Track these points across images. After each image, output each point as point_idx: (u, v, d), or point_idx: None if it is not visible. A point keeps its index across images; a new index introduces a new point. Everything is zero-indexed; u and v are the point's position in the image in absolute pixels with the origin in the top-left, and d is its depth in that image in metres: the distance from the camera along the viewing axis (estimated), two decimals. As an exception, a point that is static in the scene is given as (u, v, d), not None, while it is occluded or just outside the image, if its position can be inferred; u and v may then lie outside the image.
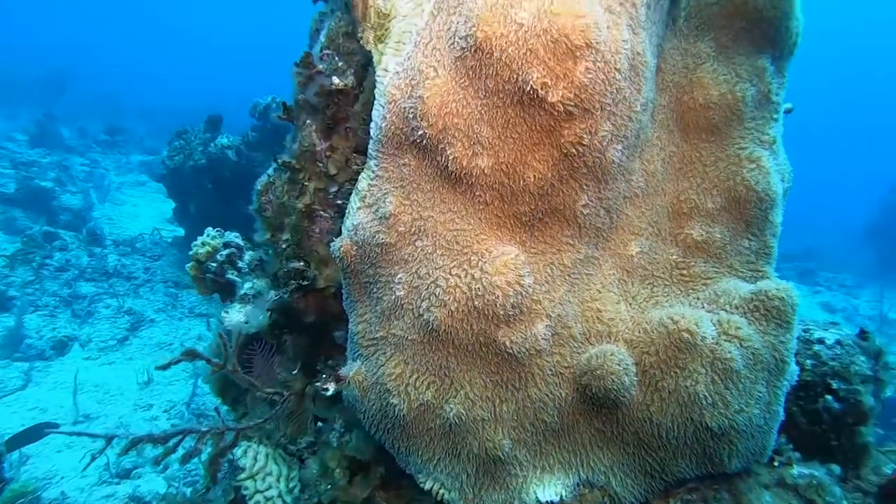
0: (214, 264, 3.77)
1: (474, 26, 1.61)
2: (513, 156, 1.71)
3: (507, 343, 1.78)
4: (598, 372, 1.78)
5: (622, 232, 2.00)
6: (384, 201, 1.86)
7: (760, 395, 1.80)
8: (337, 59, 2.35)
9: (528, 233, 1.81)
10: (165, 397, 6.68)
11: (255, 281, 3.28)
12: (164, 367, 2.06)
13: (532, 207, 1.77)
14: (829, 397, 2.18)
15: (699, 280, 2.00)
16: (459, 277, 1.79)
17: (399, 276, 1.87)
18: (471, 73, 1.68)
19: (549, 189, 1.75)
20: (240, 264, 3.74)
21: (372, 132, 1.91)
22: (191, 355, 2.13)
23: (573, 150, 1.69)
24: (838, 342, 2.20)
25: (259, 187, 2.63)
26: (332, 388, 2.02)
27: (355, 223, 1.94)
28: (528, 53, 1.56)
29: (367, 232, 1.89)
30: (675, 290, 2.01)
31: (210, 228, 4.08)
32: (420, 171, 1.83)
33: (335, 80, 2.29)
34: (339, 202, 2.40)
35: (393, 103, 1.81)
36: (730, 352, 1.76)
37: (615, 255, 2.00)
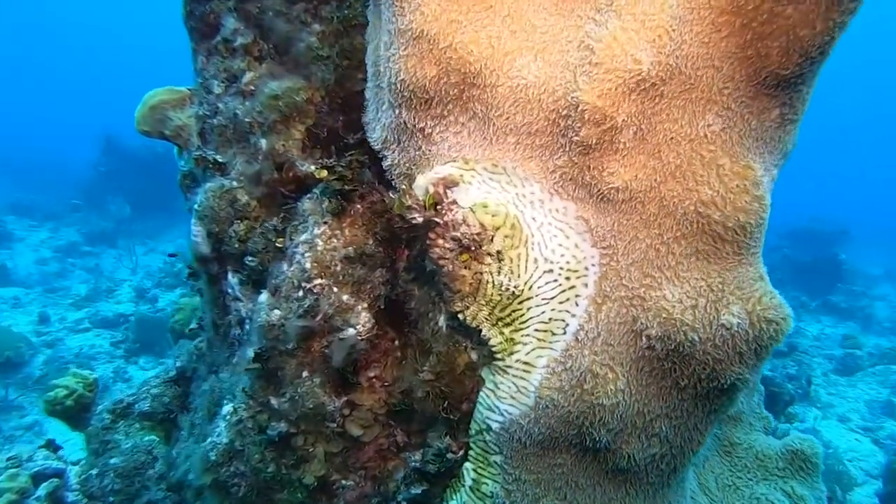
0: (34, 517, 2.68)
1: (675, 329, 1.44)
2: (681, 440, 1.62)
3: None
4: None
5: (690, 430, 2.08)
6: (541, 511, 1.57)
7: (817, 541, 2.14)
8: (337, 291, 1.81)
9: (672, 490, 1.76)
10: None
11: None
12: None
13: (681, 471, 1.72)
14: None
15: (737, 448, 2.22)
16: (638, 567, 1.65)
17: (566, 583, 1.63)
18: (657, 371, 1.50)
19: (699, 447, 1.71)
20: (69, 497, 2.72)
21: (499, 428, 1.57)
22: None
23: (721, 415, 1.68)
24: None
25: (214, 457, 1.91)
26: None
27: (493, 536, 1.59)
28: (734, 356, 1.47)
29: (520, 547, 1.58)
30: (725, 462, 2.20)
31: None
32: (578, 469, 1.59)
33: (358, 329, 1.77)
34: (369, 468, 1.90)
35: (553, 407, 1.51)
36: (808, 523, 2.04)
37: (687, 452, 2.08)
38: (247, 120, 2.08)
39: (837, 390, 9.15)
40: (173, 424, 2.76)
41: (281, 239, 1.96)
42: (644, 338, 1.47)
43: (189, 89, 2.44)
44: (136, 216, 14.65)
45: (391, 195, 1.60)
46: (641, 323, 1.47)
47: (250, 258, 2.02)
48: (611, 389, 1.48)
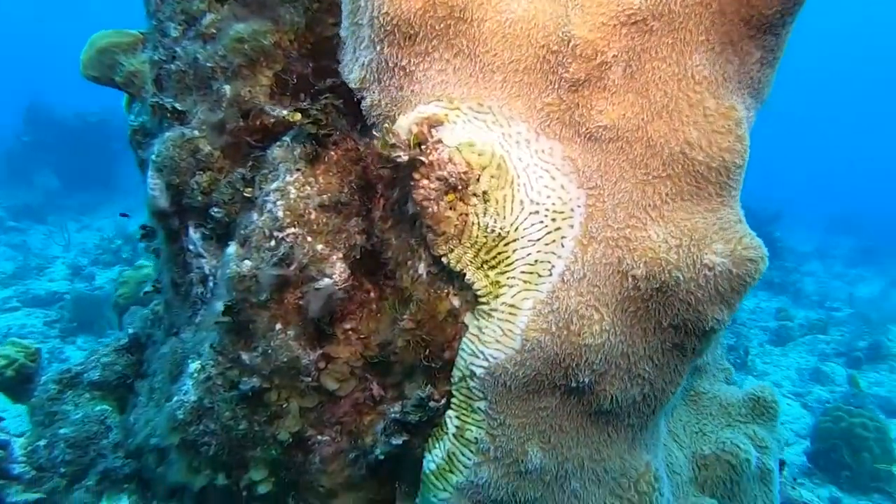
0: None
1: (660, 269, 1.45)
2: (662, 381, 1.65)
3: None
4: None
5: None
6: (525, 454, 1.58)
7: (777, 480, 2.24)
8: (311, 240, 1.76)
9: (649, 433, 1.80)
10: None
11: (106, 502, 2.34)
12: None
13: (658, 413, 1.76)
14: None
15: (703, 397, 2.30)
16: (617, 507, 1.69)
17: (548, 526, 1.64)
18: (641, 312, 1.52)
19: (677, 389, 1.75)
20: (16, 469, 2.59)
21: (484, 373, 1.56)
22: None
23: (698, 357, 1.72)
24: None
25: (182, 416, 1.83)
26: None
27: (476, 482, 1.59)
28: (715, 295, 1.50)
29: (503, 490, 1.59)
30: (692, 411, 2.26)
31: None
32: (562, 412, 1.60)
33: (334, 278, 1.73)
34: (345, 423, 1.87)
35: (540, 349, 1.50)
36: (769, 465, 2.14)
37: (656, 400, 2.13)
38: (209, 65, 1.97)
39: (772, 359, 9.62)
40: (129, 391, 2.64)
41: (249, 189, 1.87)
42: (629, 278, 1.48)
43: (141, 32, 2.30)
44: (67, 190, 13.90)
45: (375, 134, 1.54)
46: (627, 263, 1.48)
47: (216, 209, 1.93)
48: (596, 330, 1.48)
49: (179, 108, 2.06)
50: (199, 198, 2.01)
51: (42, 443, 2.65)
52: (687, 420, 2.22)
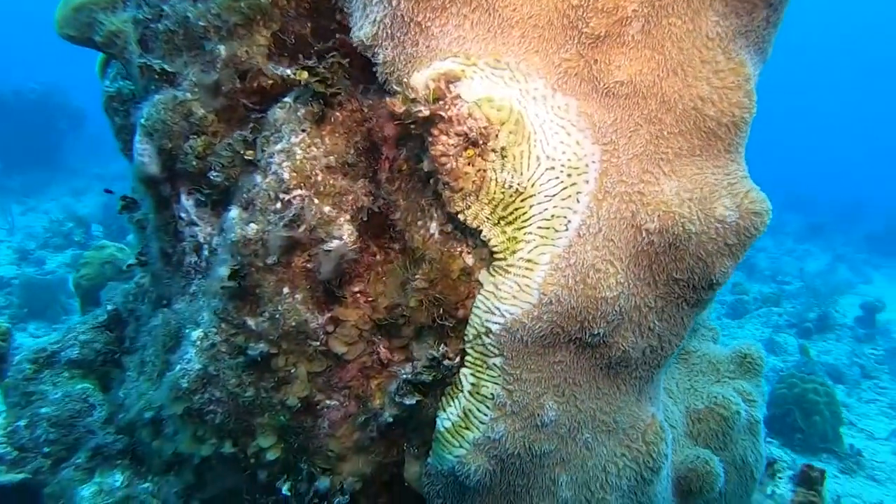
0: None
1: (673, 223, 1.49)
2: (670, 333, 1.70)
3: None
4: (701, 472, 2.02)
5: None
6: (542, 408, 1.61)
7: (763, 431, 2.35)
8: (318, 202, 1.74)
9: (653, 387, 1.86)
10: None
11: (99, 478, 2.30)
12: None
13: (663, 366, 1.81)
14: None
15: (693, 355, 2.38)
16: (626, 457, 1.74)
17: (562, 478, 1.68)
18: (654, 266, 1.55)
19: (681, 342, 1.81)
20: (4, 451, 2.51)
21: (500, 329, 1.57)
22: None
23: (702, 310, 1.78)
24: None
25: (186, 384, 1.80)
26: None
27: (492, 437, 1.62)
28: (724, 247, 1.55)
29: (519, 444, 1.62)
30: (683, 367, 2.34)
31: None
32: (575, 365, 1.63)
33: (344, 239, 1.71)
34: (353, 387, 1.86)
35: (557, 303, 1.52)
36: (756, 417, 2.23)
37: (651, 359, 2.20)
38: (201, 24, 1.90)
39: (729, 332, 9.98)
40: (114, 367, 2.57)
41: (251, 151, 1.83)
42: (643, 232, 1.52)
43: (123, -9, 2.20)
44: (8, 171, 13.25)
45: (396, 88, 1.52)
46: (641, 217, 1.51)
47: (215, 173, 1.88)
48: (612, 283, 1.51)
49: (169, 70, 1.99)
50: (194, 162, 1.95)
51: (22, 423, 2.55)
52: (679, 377, 2.30)
